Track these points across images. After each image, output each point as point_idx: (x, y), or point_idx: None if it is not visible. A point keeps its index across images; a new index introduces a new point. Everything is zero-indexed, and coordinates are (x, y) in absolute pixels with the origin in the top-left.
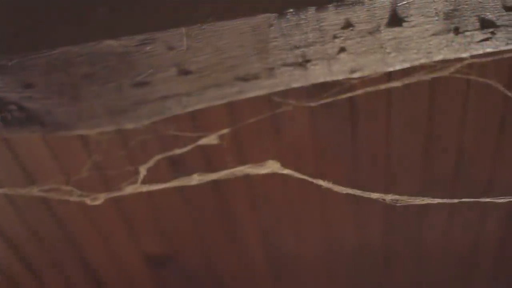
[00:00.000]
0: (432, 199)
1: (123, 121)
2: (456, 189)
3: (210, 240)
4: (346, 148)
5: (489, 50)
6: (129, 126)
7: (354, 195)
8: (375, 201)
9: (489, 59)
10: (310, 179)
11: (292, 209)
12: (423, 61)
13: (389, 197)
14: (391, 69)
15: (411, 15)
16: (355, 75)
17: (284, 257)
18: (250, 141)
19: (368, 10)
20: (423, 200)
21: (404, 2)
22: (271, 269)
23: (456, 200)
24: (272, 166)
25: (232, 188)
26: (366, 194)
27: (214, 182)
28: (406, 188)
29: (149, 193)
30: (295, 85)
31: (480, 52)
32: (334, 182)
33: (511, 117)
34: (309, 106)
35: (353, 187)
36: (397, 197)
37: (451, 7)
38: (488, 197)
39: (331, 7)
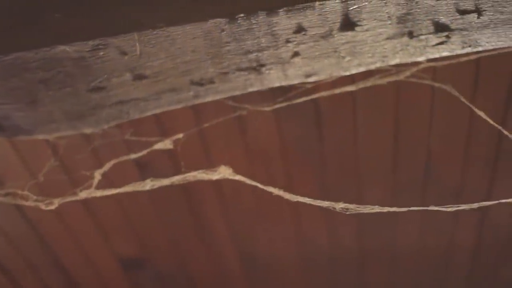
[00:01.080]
0: (381, 207)
1: (81, 125)
2: (426, 193)
3: (183, 243)
4: (312, 152)
5: (445, 54)
6: (88, 130)
7: (324, 194)
8: (350, 200)
9: (446, 63)
10: (260, 186)
11: (262, 213)
12: (378, 65)
13: (339, 206)
14: (347, 73)
15: (364, 19)
16: (311, 80)
17: (257, 260)
18: (206, 146)
19: (319, 15)
20: (372, 209)
21: (355, 7)
22: (245, 272)
23: (405, 209)
24: (224, 172)
25: (201, 192)
26: (317, 203)
27: (183, 187)
28: (376, 192)
29: (119, 197)
30: (251, 89)
31: (436, 56)
32: (303, 187)
33: (474, 122)
34: (266, 110)
35: (321, 191)
36: (347, 205)
37: (404, 11)
38: (459, 201)
39: (281, 11)
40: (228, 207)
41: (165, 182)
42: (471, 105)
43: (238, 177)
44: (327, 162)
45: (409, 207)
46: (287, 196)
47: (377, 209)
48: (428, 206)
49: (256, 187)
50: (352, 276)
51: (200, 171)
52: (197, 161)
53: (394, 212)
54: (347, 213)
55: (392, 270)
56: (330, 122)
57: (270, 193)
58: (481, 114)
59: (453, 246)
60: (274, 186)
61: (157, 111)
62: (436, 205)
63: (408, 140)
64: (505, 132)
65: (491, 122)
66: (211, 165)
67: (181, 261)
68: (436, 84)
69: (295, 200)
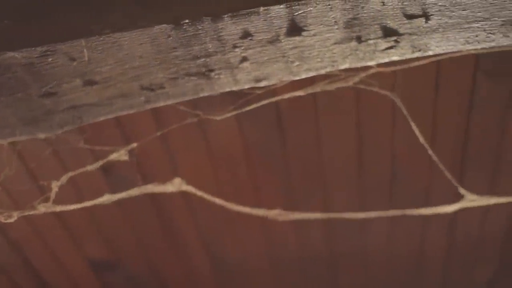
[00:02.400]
0: (312, 213)
1: (35, 130)
2: (394, 196)
3: (152, 246)
4: (276, 157)
5: (395, 58)
6: (42, 135)
7: (288, 202)
8: (316, 204)
9: (395, 68)
10: (209, 198)
11: (230, 216)
12: (328, 69)
13: (273, 212)
14: (296, 78)
15: (310, 24)
16: (261, 84)
17: (227, 262)
18: (164, 156)
19: (264, 20)
20: (303, 216)
21: (300, 12)
22: (215, 274)
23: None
24: (177, 184)
25: (168, 198)
26: (254, 211)
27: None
28: (343, 195)
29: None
30: (202, 94)
31: (386, 60)
32: (268, 191)
33: (437, 125)
34: (224, 117)
35: (287, 196)
36: (280, 211)
37: (350, 16)
38: (427, 204)
39: (226, 17)
40: (195, 210)
41: (123, 195)
42: (408, 116)
43: (190, 189)
44: (291, 166)
45: (377, 210)
46: (229, 206)
47: (310, 215)
48: (396, 209)
49: (235, 190)
50: (323, 278)
51: (155, 183)
52: (154, 171)
53: (364, 213)
54: (281, 220)
55: (364, 273)
56: (292, 126)
57: (239, 193)
58: (414, 127)
59: (424, 249)
60: (241, 191)
61: (110, 116)
62: (404, 208)
63: (372, 144)
64: (430, 152)
65: (421, 139)
66: (168, 175)
67: (152, 263)
68: (382, 92)
69: (236, 210)
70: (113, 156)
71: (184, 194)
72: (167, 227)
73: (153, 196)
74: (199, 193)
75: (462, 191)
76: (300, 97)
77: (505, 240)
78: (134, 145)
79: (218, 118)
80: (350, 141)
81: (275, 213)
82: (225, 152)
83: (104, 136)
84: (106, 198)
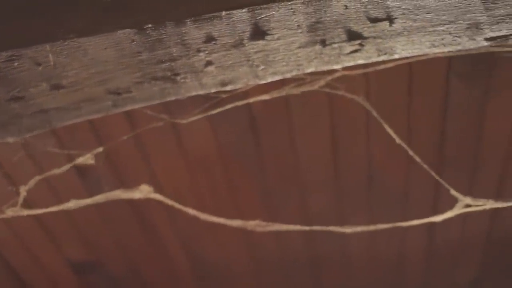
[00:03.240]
0: (288, 225)
1: (4, 134)
2: (371, 199)
3: (132, 247)
4: (251, 160)
5: (361, 62)
6: (10, 139)
7: (266, 206)
8: (294, 207)
9: (360, 71)
10: (178, 206)
11: (205, 211)
12: (294, 73)
13: (250, 224)
14: (263, 81)
15: (273, 28)
16: (227, 88)
17: (207, 264)
18: (130, 162)
19: (227, 24)
20: (280, 227)
21: (263, 16)
22: (196, 274)
23: (312, 228)
24: (144, 191)
25: (145, 199)
26: (228, 222)
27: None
28: (320, 199)
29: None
30: (169, 98)
31: (352, 64)
32: (246, 194)
33: (413, 127)
34: (186, 120)
35: (265, 199)
36: (258, 222)
37: (313, 20)
38: (405, 207)
39: (189, 21)
40: (173, 211)
41: (88, 201)
42: (380, 120)
43: (157, 196)
44: (267, 169)
45: (355, 213)
46: (202, 216)
47: (285, 227)
48: (374, 211)
49: (212, 190)
50: (305, 280)
51: (122, 189)
52: (122, 177)
53: (343, 217)
54: (259, 230)
55: (346, 274)
56: (266, 129)
57: (216, 198)
58: (388, 129)
59: (405, 251)
60: (216, 195)
61: (79, 120)
62: (381, 210)
63: (347, 147)
64: (411, 153)
65: (398, 140)
66: (136, 181)
67: (132, 264)
68: (349, 95)
69: (209, 220)
70: (80, 160)
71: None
72: (145, 228)
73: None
74: (168, 201)
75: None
76: (272, 100)
77: (486, 242)
78: (100, 149)
79: (184, 121)
80: (325, 144)
81: (254, 224)
82: (197, 156)
83: (72, 140)
84: (73, 204)
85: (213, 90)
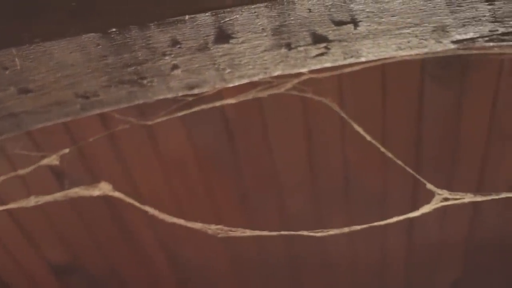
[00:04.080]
0: (252, 231)
1: None
2: (350, 200)
3: (111, 249)
4: (227, 162)
5: (328, 65)
6: None
7: (244, 208)
8: (272, 209)
9: (327, 74)
10: (137, 205)
11: (183, 214)
12: (261, 76)
13: (212, 227)
14: (230, 85)
15: (238, 32)
16: (195, 91)
17: (187, 265)
18: (98, 161)
19: (191, 28)
20: (244, 232)
21: (227, 19)
22: (176, 275)
23: (275, 233)
24: (104, 188)
25: (122, 201)
26: (190, 224)
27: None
28: (298, 200)
29: (41, 206)
30: (137, 102)
31: (319, 67)
32: (223, 197)
33: (388, 129)
34: (152, 122)
35: (242, 200)
36: (220, 226)
37: (277, 23)
38: (383, 208)
39: (153, 25)
40: (149, 214)
41: (48, 198)
42: (349, 120)
43: (117, 194)
44: (243, 172)
45: (333, 214)
46: (162, 216)
47: (248, 232)
48: (353, 213)
49: (189, 191)
50: (285, 282)
51: (82, 187)
52: (87, 176)
53: (321, 220)
54: (219, 236)
55: (326, 277)
56: (240, 131)
57: (192, 199)
58: (357, 127)
59: (385, 253)
60: (194, 196)
61: (48, 123)
62: (361, 211)
63: (322, 149)
64: (382, 149)
65: (369, 138)
66: (95, 180)
67: (112, 265)
68: (316, 98)
69: (170, 221)
70: (45, 161)
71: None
72: (123, 229)
73: (106, 199)
74: (128, 199)
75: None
76: (246, 103)
77: (467, 243)
78: (67, 150)
79: (150, 123)
80: (300, 146)
81: (216, 229)
82: (169, 157)
83: (39, 141)
84: (33, 201)
85: (180, 94)
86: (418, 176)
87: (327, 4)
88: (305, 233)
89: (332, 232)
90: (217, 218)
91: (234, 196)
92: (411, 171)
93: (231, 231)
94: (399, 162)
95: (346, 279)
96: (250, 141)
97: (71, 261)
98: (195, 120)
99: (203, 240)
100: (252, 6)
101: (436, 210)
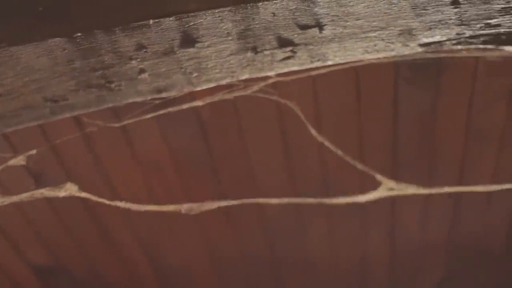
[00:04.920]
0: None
1: None
2: (328, 204)
3: (92, 251)
4: (203, 163)
5: (294, 68)
6: None
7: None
8: (248, 209)
9: (295, 77)
10: (107, 202)
11: (164, 219)
12: (228, 80)
13: (184, 207)
14: (198, 88)
15: (203, 36)
16: (163, 95)
17: (169, 266)
18: (63, 163)
19: (156, 32)
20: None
21: (191, 24)
22: (158, 277)
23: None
24: (70, 189)
25: (100, 202)
26: (164, 208)
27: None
28: (277, 201)
29: (19, 206)
30: (106, 105)
31: (286, 70)
32: (202, 197)
33: (363, 131)
34: (118, 124)
35: (219, 198)
36: (190, 204)
37: (242, 27)
38: (363, 209)
39: (118, 30)
40: (128, 213)
41: (14, 199)
42: (308, 125)
43: (84, 194)
44: (220, 173)
45: (312, 217)
46: (134, 207)
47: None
48: (333, 216)
49: (166, 191)
50: (266, 282)
51: (48, 188)
52: (56, 177)
53: (301, 222)
54: (192, 213)
55: (307, 277)
56: (215, 133)
57: (170, 200)
58: (318, 136)
59: (367, 256)
60: (173, 198)
61: (19, 127)
62: (341, 214)
63: (299, 151)
64: (340, 153)
65: (330, 146)
66: (62, 181)
67: (94, 267)
68: (282, 101)
69: (143, 209)
70: (12, 162)
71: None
72: (102, 230)
73: (83, 200)
74: (95, 198)
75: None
76: (220, 104)
77: (449, 244)
78: (34, 151)
79: (117, 125)
80: (277, 148)
81: (186, 207)
82: (147, 159)
83: (7, 142)
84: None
85: (149, 97)
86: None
87: (291, 8)
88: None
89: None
90: (196, 222)
91: (213, 198)
92: (360, 166)
93: (201, 205)
94: (360, 165)
95: (328, 279)
96: (226, 142)
97: (54, 263)
98: (169, 121)
99: (183, 240)
100: (216, 11)
101: (416, 210)
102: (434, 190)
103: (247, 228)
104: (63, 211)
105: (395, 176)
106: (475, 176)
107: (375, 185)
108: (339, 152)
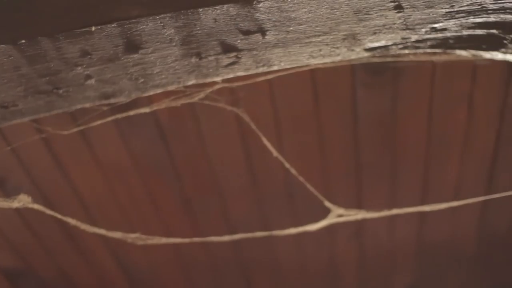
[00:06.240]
0: (168, 238)
1: None
2: (294, 205)
3: (60, 253)
4: (165, 168)
5: (240, 73)
6: None
7: (190, 205)
8: (214, 210)
9: (241, 83)
10: (59, 217)
11: (127, 220)
12: (175, 86)
13: (131, 236)
14: (146, 94)
15: (146, 42)
16: (111, 101)
17: (137, 266)
18: (13, 172)
19: (99, 39)
20: (160, 240)
21: (133, 30)
22: (126, 279)
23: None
24: (23, 200)
25: (63, 202)
26: (110, 234)
27: (45, 198)
28: (241, 206)
29: None
30: (56, 111)
31: (232, 75)
32: (166, 203)
33: (325, 133)
34: (68, 131)
35: (185, 207)
36: (137, 235)
37: (185, 33)
38: (326, 212)
39: (61, 37)
40: (92, 215)
41: None
42: (259, 132)
43: (36, 206)
44: (183, 178)
45: (280, 220)
46: (83, 227)
47: (164, 240)
48: (298, 218)
49: (130, 192)
50: (235, 287)
51: (1, 199)
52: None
53: (266, 223)
54: (139, 243)
55: (276, 281)
56: (174, 136)
57: (134, 205)
58: (266, 142)
59: (335, 259)
60: (136, 202)
61: None
62: (306, 216)
63: (259, 154)
64: (287, 165)
65: (274, 152)
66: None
67: (62, 270)
68: (228, 107)
69: (91, 231)
70: None
71: (80, 200)
72: (69, 233)
73: (48, 202)
74: (48, 211)
75: (328, 204)
76: (178, 110)
77: (418, 248)
78: None
79: (66, 132)
80: (237, 152)
81: (135, 237)
82: (109, 164)
83: None
84: None
85: (97, 103)
86: (316, 193)
87: (232, 14)
88: (214, 239)
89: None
90: (162, 223)
91: (177, 202)
92: (311, 187)
93: (148, 239)
94: (301, 178)
95: (297, 284)
96: (186, 146)
97: (21, 265)
98: (129, 125)
99: (150, 245)
100: (157, 17)
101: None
102: (392, 212)
103: (211, 232)
104: (27, 217)
105: (349, 200)
106: (438, 192)
107: (325, 211)
108: (290, 168)
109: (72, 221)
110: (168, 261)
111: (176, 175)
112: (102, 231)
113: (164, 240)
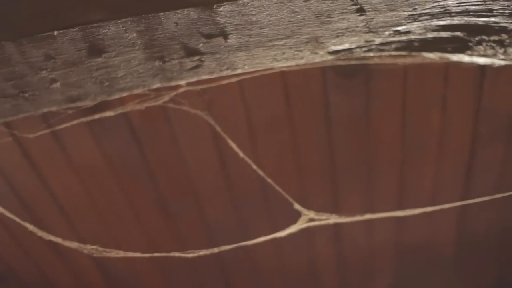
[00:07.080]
0: (126, 252)
1: None
2: (269, 207)
3: (39, 256)
4: (140, 171)
5: (205, 77)
6: None
7: (166, 207)
8: (193, 216)
9: (205, 86)
10: (18, 220)
11: (105, 222)
12: (140, 89)
13: (88, 247)
14: (112, 97)
15: (109, 46)
16: (78, 104)
17: (115, 266)
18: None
19: (62, 43)
20: (118, 254)
21: (96, 34)
22: (105, 280)
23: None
24: None
25: (39, 204)
26: (66, 243)
27: (22, 201)
28: (216, 207)
29: None
30: (23, 115)
31: (196, 79)
32: (141, 205)
33: (298, 135)
34: (34, 134)
35: (160, 209)
36: (94, 247)
37: (147, 37)
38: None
39: (24, 41)
40: (69, 216)
41: None
42: (224, 135)
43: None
44: (158, 180)
45: (255, 220)
46: (40, 233)
47: (121, 254)
48: (274, 220)
49: (108, 193)
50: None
51: None
52: None
53: (244, 226)
54: (94, 255)
55: (257, 285)
56: (148, 139)
57: (111, 208)
58: (233, 145)
59: (314, 261)
60: (113, 205)
61: None
62: (281, 217)
63: (233, 156)
64: (254, 167)
65: (242, 154)
66: None
67: (41, 272)
68: (192, 111)
69: (48, 238)
70: None
71: (54, 201)
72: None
73: (24, 204)
74: (8, 214)
75: (299, 208)
76: (149, 112)
77: (397, 250)
78: None
79: (32, 135)
80: (211, 154)
81: (91, 249)
82: (82, 166)
83: None
84: None
85: (64, 106)
86: (287, 196)
87: (193, 18)
88: (176, 254)
89: (202, 253)
90: (138, 224)
91: (152, 203)
92: (280, 190)
93: (105, 251)
94: (269, 180)
95: (277, 287)
96: (160, 148)
97: (1, 268)
98: (101, 128)
99: (126, 245)
100: (119, 21)
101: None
102: (365, 217)
103: (188, 233)
104: (4, 220)
105: (323, 204)
106: (414, 196)
107: (295, 216)
108: (257, 169)
109: (29, 226)
110: (146, 264)
111: (151, 177)
112: (58, 240)
113: (122, 254)
